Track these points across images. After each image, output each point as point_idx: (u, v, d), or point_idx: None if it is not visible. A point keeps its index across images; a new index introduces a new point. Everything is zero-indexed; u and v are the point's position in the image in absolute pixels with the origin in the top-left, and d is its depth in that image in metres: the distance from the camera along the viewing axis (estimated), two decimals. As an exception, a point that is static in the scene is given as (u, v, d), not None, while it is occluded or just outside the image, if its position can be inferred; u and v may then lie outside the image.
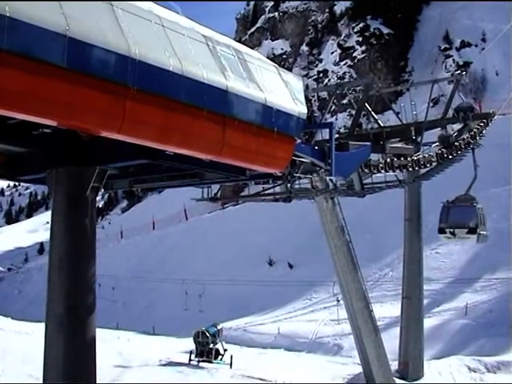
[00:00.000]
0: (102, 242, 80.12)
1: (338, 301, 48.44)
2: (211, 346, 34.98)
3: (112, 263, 75.15)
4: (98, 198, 21.33)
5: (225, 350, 35.46)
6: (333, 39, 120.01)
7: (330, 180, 27.39)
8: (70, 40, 11.83)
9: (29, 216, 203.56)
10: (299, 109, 18.46)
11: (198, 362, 33.96)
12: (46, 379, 17.80)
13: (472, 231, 32.02)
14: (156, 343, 40.99)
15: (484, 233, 32.75)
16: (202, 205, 54.02)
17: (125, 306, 70.34)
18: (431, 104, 34.33)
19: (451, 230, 32.55)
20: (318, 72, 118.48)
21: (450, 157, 32.41)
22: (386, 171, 28.04)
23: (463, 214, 32.57)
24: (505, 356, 38.91)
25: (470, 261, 58.85)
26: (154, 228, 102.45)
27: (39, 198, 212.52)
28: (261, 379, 31.57)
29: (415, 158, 29.70)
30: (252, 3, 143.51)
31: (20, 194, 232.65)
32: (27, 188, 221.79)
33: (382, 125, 32.51)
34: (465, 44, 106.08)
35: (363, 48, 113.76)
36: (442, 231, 33.10)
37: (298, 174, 22.34)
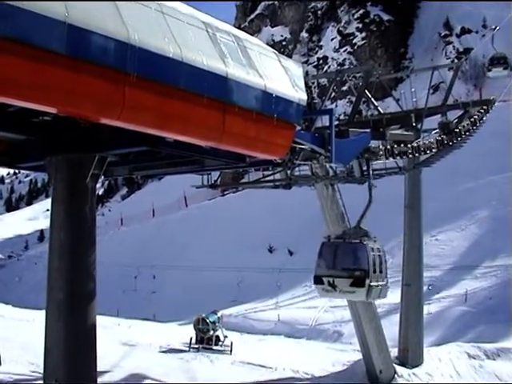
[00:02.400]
0: (102, 230, 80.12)
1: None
2: (211, 332, 35.06)
3: (112, 250, 75.18)
4: (98, 185, 21.36)
5: (225, 337, 35.54)
6: (333, 26, 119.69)
7: (330, 167, 27.38)
8: (70, 27, 11.80)
9: (29, 204, 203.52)
10: (299, 95, 18.46)
11: (199, 348, 34.04)
12: (46, 366, 17.85)
13: (358, 283, 24.30)
14: (156, 330, 41.06)
15: (377, 284, 24.64)
16: (202, 192, 53.90)
17: (125, 293, 70.38)
18: (431, 91, 34.24)
19: (330, 280, 24.85)
20: (318, 59, 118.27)
21: (451, 143, 32.34)
22: (387, 158, 28.02)
23: (348, 257, 25.32)
24: (504, 343, 38.97)
25: (470, 248, 58.91)
26: (154, 215, 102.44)
27: (39, 185, 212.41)
28: (261, 366, 31.65)
29: (415, 145, 29.66)
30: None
31: (20, 182, 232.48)
32: (27, 175, 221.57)
33: (382, 111, 32.46)
34: (465, 30, 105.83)
35: (363, 35, 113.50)
36: (317, 280, 25.57)
37: (297, 161, 22.36)
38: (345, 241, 25.66)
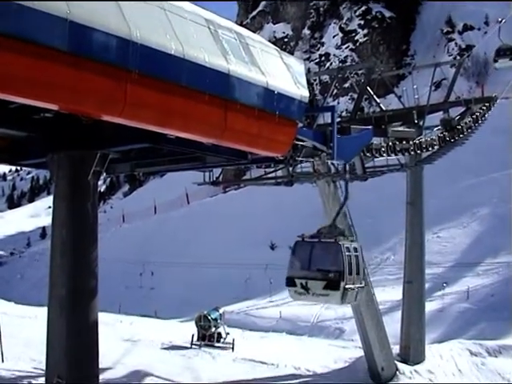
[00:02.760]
0: (104, 227, 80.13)
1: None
2: (213, 329, 35.04)
3: (114, 247, 75.20)
4: (100, 182, 21.35)
5: (227, 334, 35.52)
6: (335, 23, 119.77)
7: (332, 164, 27.34)
8: (72, 24, 11.80)
9: (31, 201, 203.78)
10: (301, 92, 18.46)
11: (200, 345, 34.04)
12: (48, 363, 17.89)
13: (332, 285, 22.83)
14: (158, 327, 41.02)
15: (353, 287, 23.25)
16: (204, 189, 54.09)
17: (127, 290, 70.45)
18: (433, 87, 34.11)
19: (303, 283, 23.50)
20: (320, 55, 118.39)
21: (452, 140, 32.33)
22: (388, 155, 28.01)
23: (321, 258, 23.83)
24: (506, 340, 38.97)
25: (472, 245, 58.93)
26: (155, 212, 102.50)
27: (41, 182, 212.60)
28: (262, 362, 31.63)
29: (417, 142, 29.65)
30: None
31: (22, 179, 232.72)
32: (29, 173, 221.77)
33: (383, 108, 32.48)
34: (467, 27, 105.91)
35: (365, 31, 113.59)
36: (290, 282, 24.21)
37: (299, 158, 22.36)
38: (319, 240, 23.92)
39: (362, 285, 24.06)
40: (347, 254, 22.78)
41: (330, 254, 23.34)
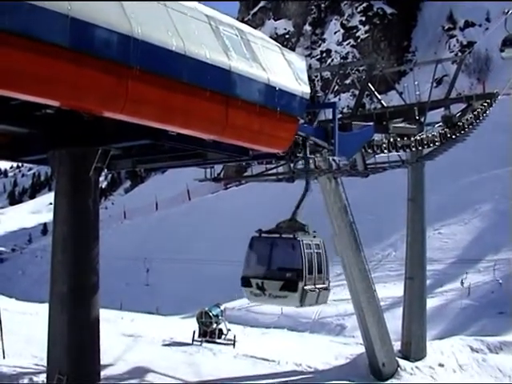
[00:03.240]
0: (106, 223, 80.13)
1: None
2: (214, 326, 35.04)
3: (115, 244, 75.23)
4: (101, 179, 21.36)
5: (228, 330, 35.53)
6: (336, 19, 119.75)
7: (333, 160, 27.33)
8: (73, 20, 11.81)
9: (32, 197, 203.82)
10: (302, 89, 18.49)
11: (201, 341, 34.05)
12: (49, 359, 17.92)
13: (289, 286, 21.39)
14: (159, 323, 41.06)
15: (314, 288, 21.75)
16: (205, 185, 53.89)
17: (128, 287, 70.49)
18: (434, 84, 34.12)
19: (259, 283, 22.10)
20: (321, 52, 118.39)
21: (454, 137, 32.31)
22: (390, 151, 28.01)
23: (278, 256, 22.31)
24: (507, 336, 38.91)
25: (473, 241, 58.87)
26: (157, 208, 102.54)
27: (42, 178, 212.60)
28: (264, 359, 31.64)
29: (418, 138, 29.66)
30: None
31: (23, 175, 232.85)
32: (30, 169, 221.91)
33: (385, 105, 32.45)
34: (469, 24, 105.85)
35: (366, 28, 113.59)
36: (245, 283, 23.13)
37: (301, 154, 22.35)
38: (277, 236, 22.46)
39: (326, 285, 22.61)
40: (307, 251, 21.38)
41: (287, 251, 21.81)
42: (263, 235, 23.05)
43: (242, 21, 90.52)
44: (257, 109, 16.53)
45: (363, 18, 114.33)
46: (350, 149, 24.13)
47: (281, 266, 21.97)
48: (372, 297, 31.42)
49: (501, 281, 49.12)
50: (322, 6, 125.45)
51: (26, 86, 11.73)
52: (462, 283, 49.59)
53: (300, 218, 24.21)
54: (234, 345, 33.83)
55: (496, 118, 41.91)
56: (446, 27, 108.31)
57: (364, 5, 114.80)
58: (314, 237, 22.54)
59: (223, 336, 35.16)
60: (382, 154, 28.74)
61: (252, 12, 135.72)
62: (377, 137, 27.08)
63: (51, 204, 27.51)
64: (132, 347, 31.22)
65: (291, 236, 21.84)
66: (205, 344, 33.55)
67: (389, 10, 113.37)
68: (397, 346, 34.17)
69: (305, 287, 21.24)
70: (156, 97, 13.84)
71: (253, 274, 22.72)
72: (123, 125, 14.58)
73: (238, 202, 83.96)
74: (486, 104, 34.69)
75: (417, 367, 32.65)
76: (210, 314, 34.86)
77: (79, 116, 14.80)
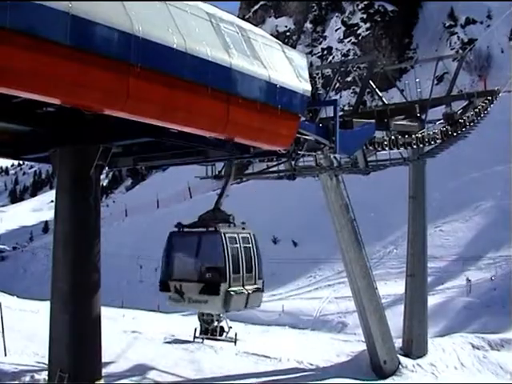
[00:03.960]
0: (107, 221, 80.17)
1: None
2: (216, 323, 34.98)
3: (116, 241, 75.21)
4: (103, 177, 21.28)
5: (229, 328, 35.50)
6: (337, 16, 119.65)
7: (335, 158, 27.34)
8: (73, 18, 11.81)
9: (33, 195, 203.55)
10: (303, 86, 18.49)
11: (203, 339, 34.02)
12: (51, 357, 17.93)
13: (210, 289, 18.66)
14: (161, 321, 41.07)
15: (241, 290, 19.05)
16: (207, 182, 53.90)
17: (129, 284, 70.49)
18: (436, 81, 34.23)
19: (177, 286, 19.37)
20: (322, 49, 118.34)
21: (455, 134, 32.32)
22: (391, 149, 28.01)
23: (197, 253, 19.48)
24: (508, 334, 38.96)
25: (474, 239, 58.87)
26: (158, 206, 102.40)
27: (43, 176, 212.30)
28: (265, 356, 31.66)
29: (420, 136, 29.66)
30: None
31: (24, 173, 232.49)
32: (32, 167, 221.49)
33: (386, 102, 32.46)
34: (470, 21, 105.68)
35: (367, 25, 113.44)
36: (162, 286, 20.15)
37: (302, 152, 22.33)
38: (198, 230, 19.75)
39: (258, 286, 19.76)
40: (232, 245, 18.56)
41: (207, 248, 19.02)
42: (182, 230, 20.21)
43: (243, 18, 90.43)
44: (258, 106, 16.54)
45: (364, 16, 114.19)
46: (351, 146, 24.12)
47: (200, 266, 19.07)
48: (373, 294, 31.46)
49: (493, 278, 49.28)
50: (323, 3, 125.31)
51: (27, 83, 11.74)
52: (468, 280, 49.55)
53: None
54: (235, 342, 33.79)
55: (497, 115, 41.92)
56: (447, 24, 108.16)
57: (365, 2, 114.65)
58: (243, 229, 19.70)
59: (224, 333, 35.04)
60: (383, 152, 28.77)
61: (253, 9, 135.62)
62: (378, 134, 27.07)
63: (52, 202, 27.52)
64: (133, 345, 31.23)
65: (212, 229, 18.97)
66: (206, 341, 33.49)
67: (390, 8, 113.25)
68: (398, 343, 34.22)
69: (229, 289, 18.38)
70: (157, 94, 13.85)
71: (171, 276, 19.83)
72: (124, 122, 14.59)
73: (239, 199, 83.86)
74: (487, 101, 34.70)
75: (418, 364, 32.70)
76: (212, 311, 34.85)
77: (80, 114, 14.80)
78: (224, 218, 20.02)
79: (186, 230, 20.03)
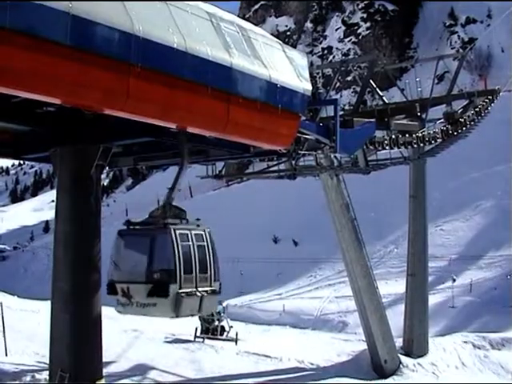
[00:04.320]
0: (107, 220, 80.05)
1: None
2: (216, 323, 35.06)
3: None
4: (103, 176, 21.19)
5: (230, 327, 35.55)
6: (337, 16, 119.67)
7: (335, 157, 27.34)
8: (74, 18, 11.82)
9: (34, 195, 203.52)
10: (304, 85, 18.50)
11: (203, 338, 34.06)
12: (51, 356, 17.94)
13: (158, 291, 16.82)
14: (161, 320, 41.07)
15: (194, 291, 17.26)
16: (207, 182, 53.99)
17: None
18: (436, 80, 34.25)
19: (124, 288, 17.45)
20: (323, 49, 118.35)
21: (455, 133, 32.32)
22: (391, 148, 28.00)
23: (147, 251, 17.50)
24: (509, 333, 38.92)
25: (475, 238, 58.87)
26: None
27: (44, 176, 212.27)
28: (266, 356, 31.65)
29: (420, 135, 29.66)
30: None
31: (25, 173, 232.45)
32: (32, 167, 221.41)
33: (386, 101, 32.46)
34: (470, 20, 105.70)
35: (368, 25, 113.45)
36: (110, 289, 17.95)
37: (302, 151, 22.32)
38: (146, 227, 18.05)
39: (213, 288, 17.95)
40: (184, 243, 16.90)
41: (156, 246, 17.24)
42: (131, 227, 18.42)
43: (243, 18, 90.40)
44: (258, 106, 16.54)
45: (364, 15, 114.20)
46: (351, 145, 24.11)
47: (148, 266, 17.22)
48: (374, 294, 31.46)
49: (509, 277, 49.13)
50: (323, 2, 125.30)
51: (28, 83, 11.74)
52: (453, 280, 49.54)
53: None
54: (236, 342, 33.84)
55: (497, 114, 41.91)
56: (448, 24, 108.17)
57: (365, 2, 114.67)
58: (198, 226, 18.11)
59: (225, 333, 35.18)
60: (384, 151, 28.77)
61: (253, 9, 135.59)
62: (378, 133, 27.07)
63: (53, 202, 27.55)
64: (134, 344, 31.24)
65: (161, 226, 17.27)
66: (207, 341, 33.56)
67: (390, 7, 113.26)
68: (399, 342, 34.21)
69: (180, 291, 16.65)
70: (157, 94, 13.85)
71: (118, 277, 17.76)
72: (125, 122, 14.60)
73: (239, 198, 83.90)
74: (487, 100, 34.70)
75: (419, 364, 32.69)
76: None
77: (81, 114, 14.80)
78: (176, 213, 18.17)
79: (134, 227, 18.32)
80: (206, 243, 17.85)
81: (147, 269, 17.16)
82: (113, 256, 18.20)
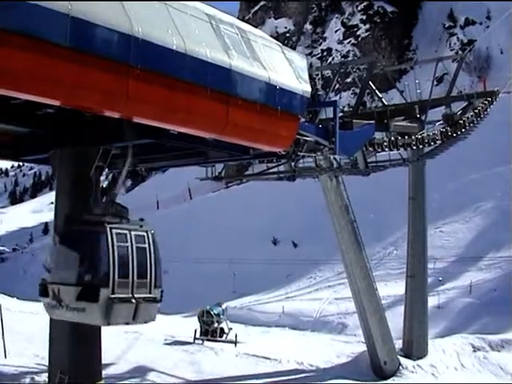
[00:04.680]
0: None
1: None
2: (216, 324, 35.07)
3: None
4: (102, 178, 21.05)
5: (229, 329, 35.56)
6: (337, 17, 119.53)
7: (334, 159, 27.35)
8: (73, 19, 11.82)
9: (33, 196, 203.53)
10: (303, 87, 18.49)
11: (203, 340, 34.07)
12: (51, 358, 17.93)
13: (87, 294, 15.16)
14: (161, 322, 41.05)
15: (129, 297, 15.72)
16: (206, 184, 53.96)
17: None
18: (435, 82, 34.26)
19: (55, 290, 15.96)
20: (322, 50, 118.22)
21: (455, 135, 32.33)
22: (391, 149, 28.02)
23: (80, 251, 15.67)
24: (508, 334, 38.94)
25: (475, 239, 58.86)
26: (158, 207, 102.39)
27: (43, 178, 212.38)
28: (265, 357, 31.67)
29: (419, 137, 29.67)
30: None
31: (24, 175, 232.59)
32: (31, 168, 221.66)
33: (386, 103, 32.47)
34: (469, 22, 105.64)
35: (367, 26, 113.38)
36: (42, 291, 16.50)
37: (302, 153, 22.32)
38: (84, 225, 16.24)
39: (153, 296, 16.51)
40: (121, 244, 15.45)
41: (91, 245, 15.68)
42: (68, 225, 16.94)
43: (243, 20, 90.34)
44: (257, 107, 16.53)
45: (364, 17, 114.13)
46: (350, 147, 24.12)
47: (80, 266, 15.59)
48: (373, 295, 31.46)
49: None
50: (323, 4, 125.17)
51: (27, 85, 11.74)
52: (439, 280, 49.59)
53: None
54: (235, 343, 33.84)
55: (497, 116, 41.93)
56: (447, 25, 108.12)
57: (364, 3, 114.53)
58: (141, 226, 16.62)
59: (225, 335, 35.18)
60: (383, 153, 28.79)
61: (252, 11, 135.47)
62: (378, 135, 27.10)
63: (52, 203, 27.62)
64: (133, 346, 31.25)
65: (96, 224, 15.77)
66: (206, 343, 33.58)
67: (389, 9, 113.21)
68: (398, 344, 34.21)
69: (112, 296, 15.15)
70: (157, 96, 13.85)
71: (50, 278, 16.33)
72: (124, 124, 14.60)
73: (239, 200, 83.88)
74: (486, 102, 34.71)
75: (418, 365, 32.69)
76: (212, 312, 34.90)
77: (80, 115, 14.80)
78: (116, 211, 16.68)
79: (71, 224, 16.65)
80: (147, 246, 16.30)
81: (78, 270, 15.53)
82: (48, 255, 17.17)
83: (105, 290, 14.95)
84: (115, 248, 15.17)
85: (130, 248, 15.59)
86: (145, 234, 16.28)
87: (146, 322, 16.73)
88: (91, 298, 15.01)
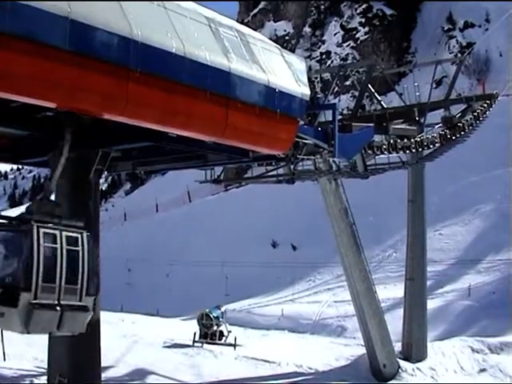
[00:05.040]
0: (106, 225, 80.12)
1: None
2: (215, 327, 35.08)
3: (116, 246, 75.19)
4: (102, 181, 21.08)
5: (229, 332, 35.55)
6: (336, 20, 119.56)
7: (334, 161, 27.37)
8: (72, 22, 11.83)
9: (32, 199, 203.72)
10: (302, 90, 18.49)
11: (202, 343, 34.06)
12: (50, 361, 17.91)
13: (7, 299, 13.43)
14: (160, 325, 41.07)
15: (54, 304, 13.69)
16: (206, 187, 54.02)
17: (129, 289, 70.48)
18: (434, 85, 34.23)
19: None
20: (321, 53, 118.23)
21: (454, 138, 32.36)
22: (390, 152, 28.04)
23: (4, 252, 14.20)
24: (508, 337, 38.98)
25: (474, 242, 58.87)
26: (157, 210, 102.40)
27: (42, 181, 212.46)
28: (264, 360, 31.68)
29: (418, 139, 29.70)
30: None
31: (23, 178, 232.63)
32: (30, 171, 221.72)
33: (385, 106, 32.50)
34: (468, 25, 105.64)
35: (366, 29, 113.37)
36: None
37: (301, 156, 22.32)
38: (9, 223, 14.73)
39: (82, 304, 14.39)
40: (48, 245, 13.69)
41: (14, 245, 14.08)
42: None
43: (242, 22, 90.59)
44: (257, 110, 16.53)
45: (363, 20, 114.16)
46: (350, 150, 24.13)
47: (2, 268, 14.10)
48: (372, 298, 31.47)
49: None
50: (322, 7, 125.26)
51: (27, 88, 11.74)
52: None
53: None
54: (234, 346, 33.84)
55: (496, 118, 41.95)
56: (446, 28, 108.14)
57: (364, 6, 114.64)
58: (75, 227, 14.69)
59: (224, 338, 35.18)
60: (382, 156, 28.80)
61: (252, 13, 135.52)
62: (377, 138, 27.12)
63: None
64: (133, 349, 31.22)
65: (23, 222, 14.20)
66: (205, 346, 33.57)
67: (388, 12, 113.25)
68: (397, 347, 34.22)
69: (34, 301, 13.42)
70: (156, 99, 13.85)
71: None
72: (123, 127, 14.59)
73: (238, 203, 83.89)
74: (485, 105, 34.78)
75: (418, 368, 32.72)
76: (211, 315, 34.90)
77: (80, 118, 14.79)
78: (50, 210, 14.70)
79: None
80: (80, 249, 14.35)
81: (15, 274, 13.77)
82: None
83: (26, 294, 13.30)
84: (41, 249, 13.48)
85: (58, 250, 13.86)
86: (78, 235, 14.39)
87: (72, 333, 14.65)
88: (10, 302, 13.37)
